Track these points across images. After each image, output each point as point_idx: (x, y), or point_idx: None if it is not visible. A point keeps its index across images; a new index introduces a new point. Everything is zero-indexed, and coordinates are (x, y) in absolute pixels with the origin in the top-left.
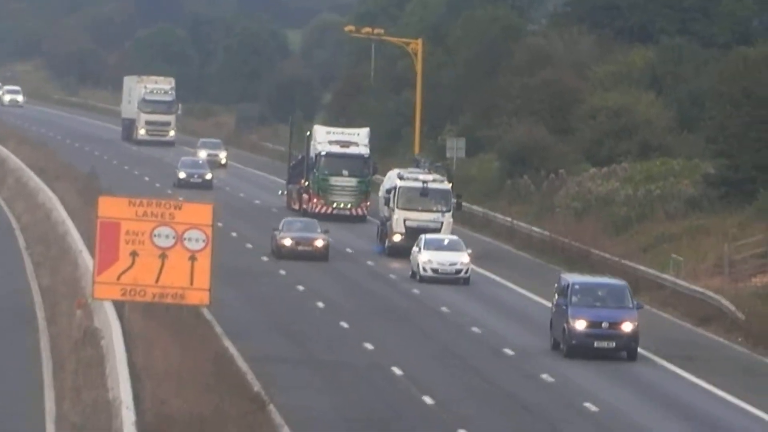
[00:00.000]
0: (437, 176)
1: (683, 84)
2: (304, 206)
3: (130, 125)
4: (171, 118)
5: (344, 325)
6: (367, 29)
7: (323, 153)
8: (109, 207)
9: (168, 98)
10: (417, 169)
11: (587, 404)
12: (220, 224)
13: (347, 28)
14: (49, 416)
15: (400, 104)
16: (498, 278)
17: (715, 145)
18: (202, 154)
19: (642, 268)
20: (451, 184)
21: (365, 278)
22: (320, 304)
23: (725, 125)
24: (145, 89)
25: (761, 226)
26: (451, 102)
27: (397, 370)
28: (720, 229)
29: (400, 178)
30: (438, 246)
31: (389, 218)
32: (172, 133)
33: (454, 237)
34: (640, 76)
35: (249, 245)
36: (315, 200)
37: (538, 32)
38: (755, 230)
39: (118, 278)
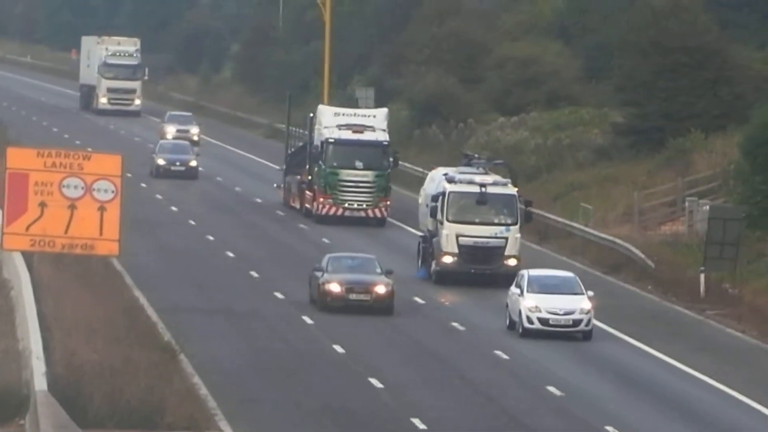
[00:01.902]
0: (498, 178)
1: (591, 33)
2: (307, 205)
3: (89, 92)
4: (136, 84)
5: (254, 274)
6: None
7: (331, 140)
8: (17, 158)
9: (133, 62)
10: (469, 168)
11: None
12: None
13: None
14: None
15: (308, 55)
16: (410, 228)
17: (623, 94)
18: (171, 129)
19: (552, 216)
20: (516, 188)
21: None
22: (230, 254)
23: (633, 75)
24: (106, 51)
25: (670, 175)
26: (360, 52)
27: (307, 320)
28: (629, 177)
29: (450, 180)
30: (547, 286)
31: (436, 233)
32: (137, 101)
33: (569, 274)
34: (548, 25)
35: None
36: (321, 199)
37: None
38: (664, 178)
39: (27, 229)
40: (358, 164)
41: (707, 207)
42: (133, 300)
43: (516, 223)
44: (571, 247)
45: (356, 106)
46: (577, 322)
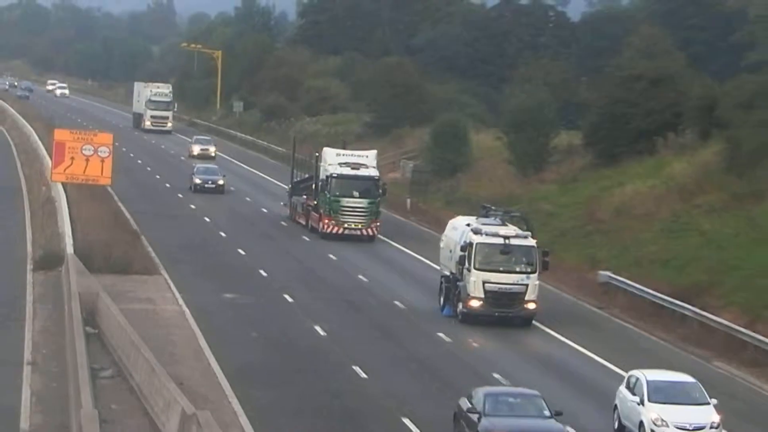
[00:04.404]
0: (518, 230)
1: (356, 74)
2: (313, 224)
3: (138, 118)
4: (169, 113)
5: (179, 196)
6: (194, 45)
7: (335, 175)
8: (59, 134)
9: (167, 99)
10: (488, 220)
11: None
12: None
13: (182, 45)
14: (29, 240)
15: (209, 84)
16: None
17: (370, 107)
18: (196, 147)
19: None
20: (535, 240)
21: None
22: (167, 185)
23: (376, 97)
24: (150, 92)
25: (393, 148)
26: (237, 83)
27: (206, 219)
28: (375, 148)
29: (476, 232)
30: (671, 395)
31: (460, 278)
32: (169, 124)
33: (690, 378)
34: (334, 72)
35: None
36: (326, 221)
37: (282, 47)
38: (389, 150)
39: (64, 171)
40: (355, 194)
41: (411, 165)
42: (117, 207)
43: (535, 272)
44: None
45: (232, 111)
46: None
